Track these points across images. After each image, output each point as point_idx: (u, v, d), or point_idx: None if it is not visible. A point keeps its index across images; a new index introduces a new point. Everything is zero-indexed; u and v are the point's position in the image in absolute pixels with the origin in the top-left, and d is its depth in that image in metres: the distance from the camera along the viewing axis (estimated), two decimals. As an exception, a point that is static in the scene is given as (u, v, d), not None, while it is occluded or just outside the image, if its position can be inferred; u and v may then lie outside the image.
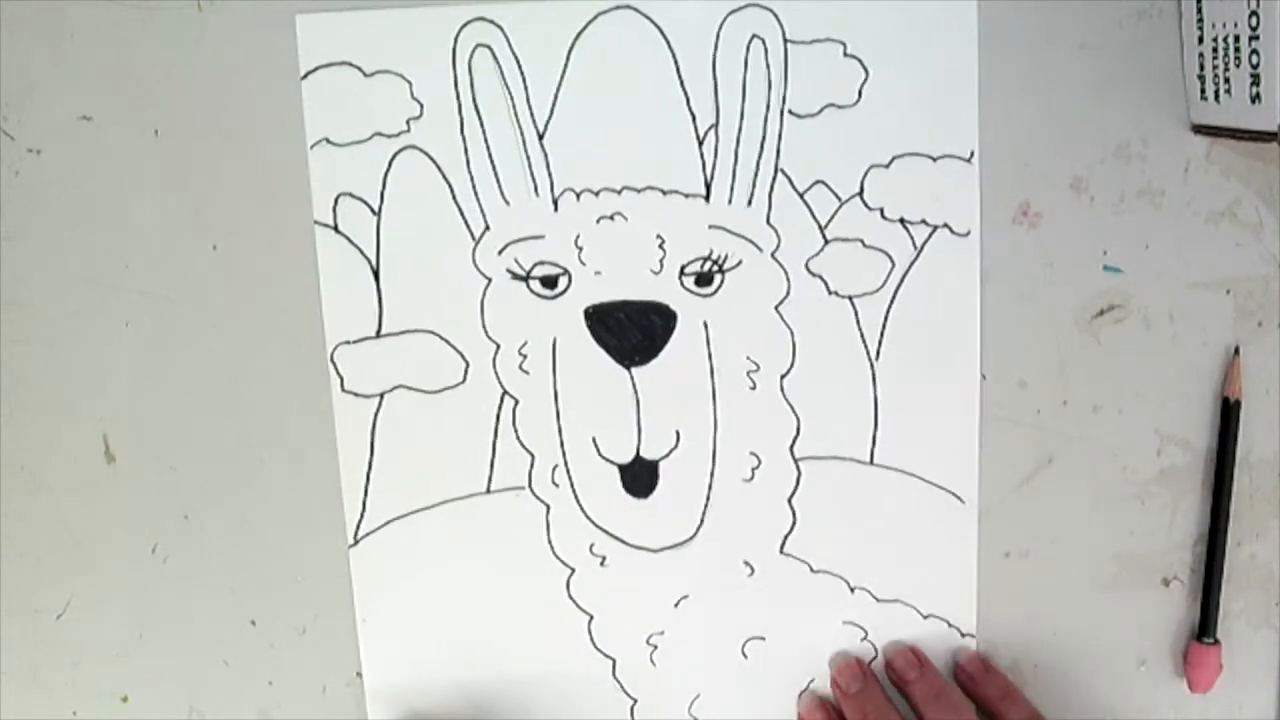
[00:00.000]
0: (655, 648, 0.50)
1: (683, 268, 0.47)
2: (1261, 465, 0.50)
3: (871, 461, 0.49)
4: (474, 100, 0.46)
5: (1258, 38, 0.41)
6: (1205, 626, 0.50)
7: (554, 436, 0.48)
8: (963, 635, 0.50)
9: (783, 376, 0.48)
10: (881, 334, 0.48)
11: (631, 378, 0.48)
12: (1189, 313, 0.49)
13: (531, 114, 0.46)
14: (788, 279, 0.47)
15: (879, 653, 0.50)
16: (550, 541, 0.49)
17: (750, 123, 0.46)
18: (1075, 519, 0.50)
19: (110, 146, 0.46)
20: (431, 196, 0.46)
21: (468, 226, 0.47)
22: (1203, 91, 0.45)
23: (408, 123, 0.46)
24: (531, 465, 0.48)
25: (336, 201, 0.46)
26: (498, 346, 0.48)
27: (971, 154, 0.47)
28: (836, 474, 0.49)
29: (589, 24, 0.45)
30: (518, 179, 0.46)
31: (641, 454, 0.48)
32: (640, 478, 0.49)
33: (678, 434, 0.48)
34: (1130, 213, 0.48)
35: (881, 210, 0.47)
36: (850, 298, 0.48)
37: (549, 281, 0.47)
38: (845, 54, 0.46)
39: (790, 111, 0.46)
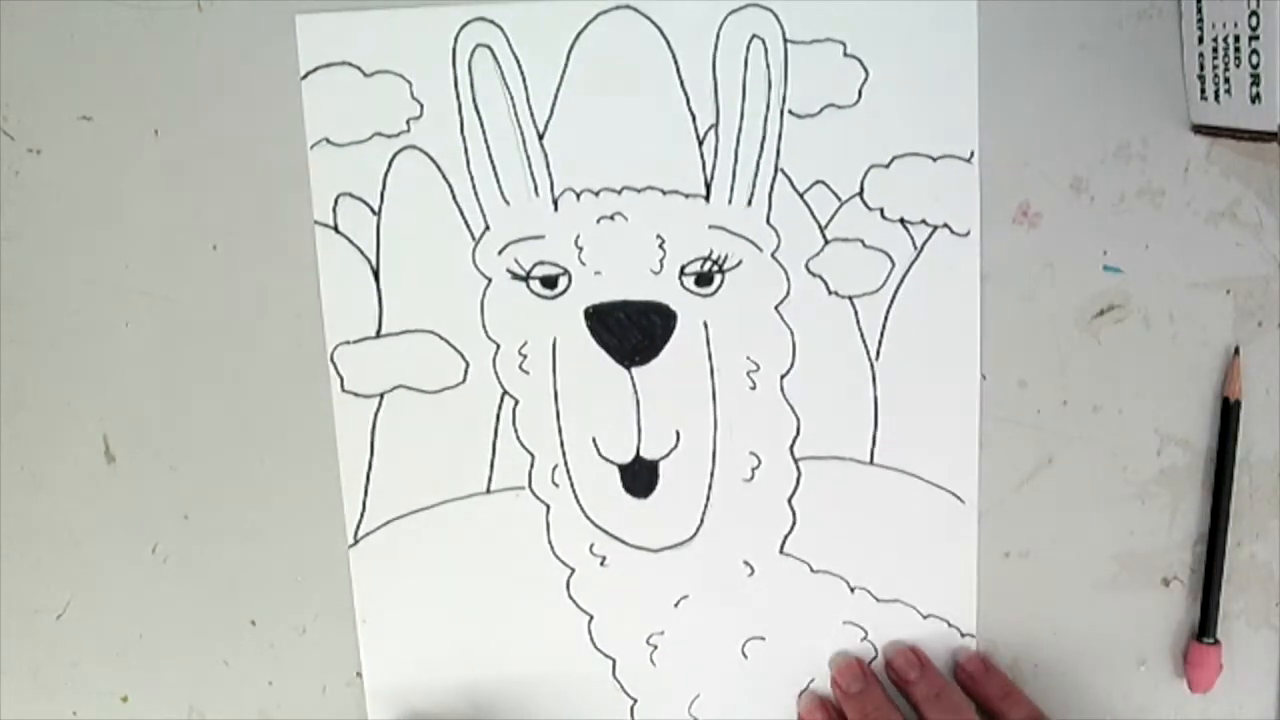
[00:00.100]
0: (655, 648, 0.50)
1: (683, 268, 0.47)
2: (1261, 465, 0.50)
3: (871, 461, 0.49)
4: (474, 100, 0.46)
5: (1258, 38, 0.41)
6: (1205, 626, 0.50)
7: (554, 436, 0.48)
8: (963, 635, 0.50)
9: (783, 376, 0.48)
10: (881, 334, 0.48)
11: (631, 378, 0.48)
12: (1189, 313, 0.49)
13: (531, 114, 0.46)
14: (788, 279, 0.47)
15: (879, 653, 0.50)
16: (550, 541, 0.49)
17: (750, 123, 0.46)
18: (1075, 519, 0.50)
19: (110, 146, 0.46)
20: (431, 196, 0.46)
21: (468, 226, 0.47)
22: (1203, 91, 0.45)
23: (408, 123, 0.46)
24: (531, 465, 0.48)
25: (336, 201, 0.46)
26: (498, 346, 0.48)
27: (971, 154, 0.47)
28: (836, 474, 0.49)
29: (589, 24, 0.45)
30: (518, 179, 0.46)
31: (641, 454, 0.48)
32: (640, 478, 0.49)
33: (678, 434, 0.48)
34: (1130, 213, 0.48)
35: (881, 210, 0.47)
36: (850, 298, 0.48)
37: (549, 281, 0.47)
38: (845, 54, 0.46)
39: (790, 111, 0.46)
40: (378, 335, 0.47)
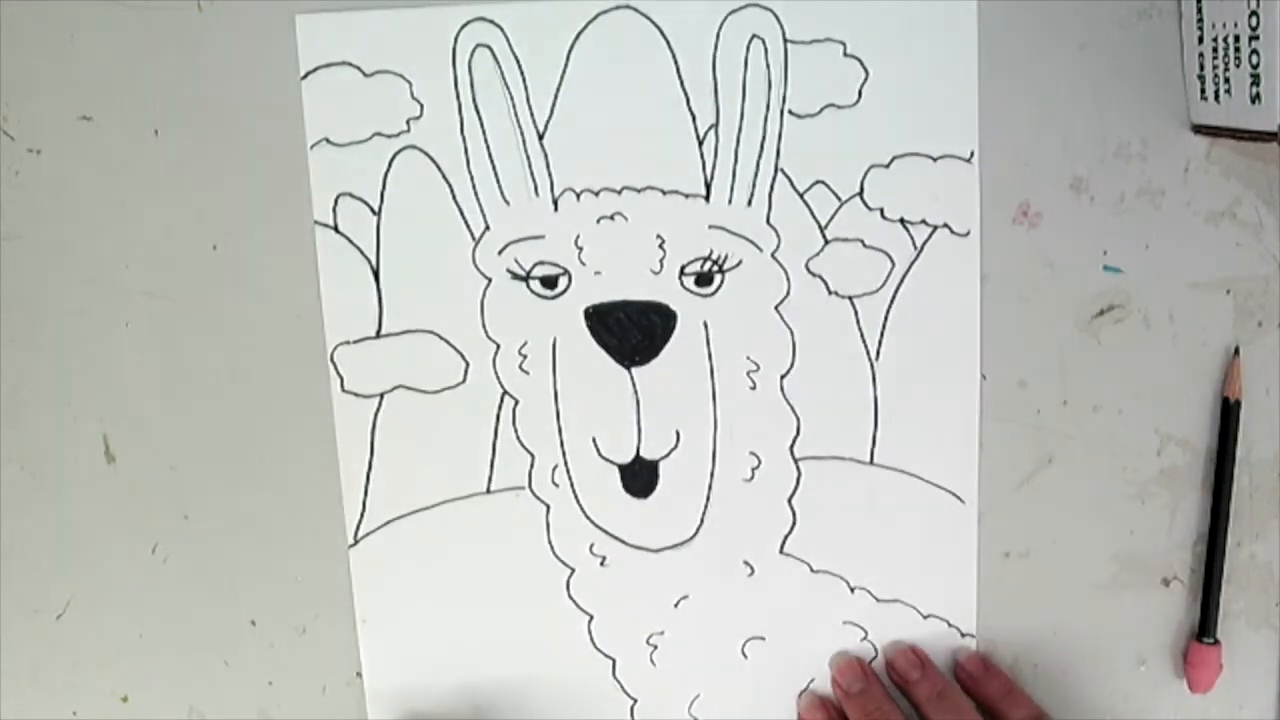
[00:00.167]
0: (655, 648, 0.50)
1: (683, 268, 0.47)
2: (1261, 465, 0.50)
3: (871, 461, 0.49)
4: (474, 100, 0.46)
5: (1258, 38, 0.41)
6: (1205, 626, 0.50)
7: (554, 436, 0.48)
8: (963, 635, 0.50)
9: (783, 376, 0.48)
10: (881, 334, 0.48)
11: (631, 378, 0.48)
12: (1189, 313, 0.49)
13: (531, 114, 0.46)
14: (788, 279, 0.47)
15: (879, 653, 0.50)
16: (550, 541, 0.49)
17: (750, 123, 0.46)
18: (1075, 519, 0.50)
19: (110, 146, 0.46)
20: (431, 196, 0.46)
21: (468, 226, 0.47)
22: (1203, 91, 0.45)
23: (408, 123, 0.46)
24: (531, 465, 0.48)
25: (336, 201, 0.46)
26: (498, 346, 0.48)
27: (971, 154, 0.47)
28: (836, 474, 0.49)
29: (589, 24, 0.45)
30: (518, 179, 0.46)
31: (641, 454, 0.48)
32: (640, 478, 0.49)
33: (678, 434, 0.48)
34: (1130, 213, 0.48)
35: (881, 210, 0.47)
36: (850, 298, 0.48)
37: (549, 281, 0.47)
38: (845, 54, 0.46)
39: (790, 111, 0.46)
40: (378, 335, 0.47)
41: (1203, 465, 0.50)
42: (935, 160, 0.47)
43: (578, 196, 0.47)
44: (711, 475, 0.49)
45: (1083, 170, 0.47)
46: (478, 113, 0.46)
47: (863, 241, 0.47)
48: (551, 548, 0.49)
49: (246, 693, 0.50)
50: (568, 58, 0.46)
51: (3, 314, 0.47)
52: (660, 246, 0.47)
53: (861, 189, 0.47)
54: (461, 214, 0.47)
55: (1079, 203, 0.48)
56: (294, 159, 0.46)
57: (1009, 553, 0.50)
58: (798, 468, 0.49)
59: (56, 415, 0.48)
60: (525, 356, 0.48)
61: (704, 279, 0.47)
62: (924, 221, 0.47)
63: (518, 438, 0.48)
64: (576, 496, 0.49)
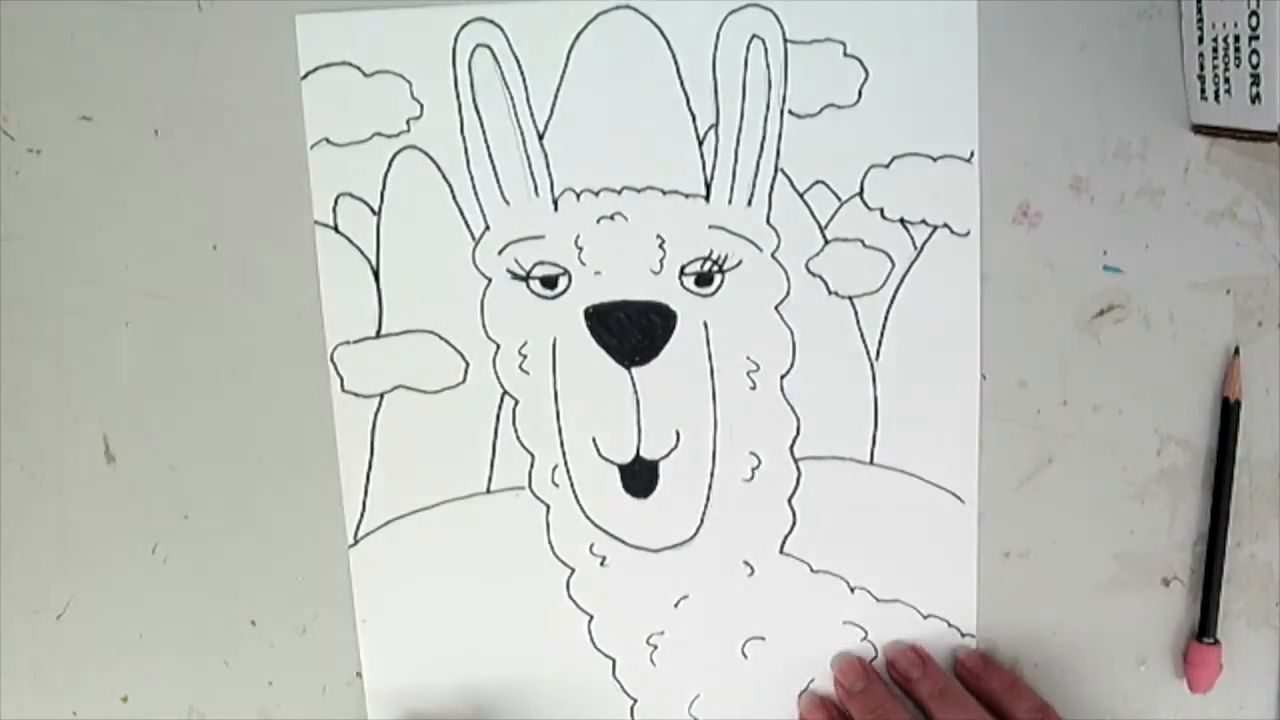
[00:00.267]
0: (655, 648, 0.50)
1: (683, 268, 0.47)
2: (1261, 465, 0.50)
3: (871, 461, 0.49)
4: (474, 100, 0.46)
5: (1258, 38, 0.41)
6: (1205, 626, 0.50)
7: (554, 436, 0.48)
8: (963, 635, 0.50)
9: (783, 376, 0.48)
10: (881, 334, 0.48)
11: (631, 378, 0.48)
12: (1189, 313, 0.49)
13: (531, 114, 0.46)
14: (788, 279, 0.47)
15: (879, 653, 0.50)
16: (550, 541, 0.49)
17: (750, 123, 0.46)
18: (1075, 519, 0.50)
19: (110, 146, 0.46)
20: (431, 196, 0.46)
21: (468, 226, 0.47)
22: (1203, 91, 0.45)
23: (408, 123, 0.46)
24: (531, 465, 0.48)
25: (336, 201, 0.46)
26: (498, 346, 0.48)
27: (971, 154, 0.47)
28: (836, 474, 0.49)
29: (589, 24, 0.45)
30: (518, 179, 0.46)
31: (641, 454, 0.48)
32: (640, 478, 0.49)
33: (678, 434, 0.48)
34: (1130, 213, 0.48)
35: (881, 210, 0.47)
36: (850, 298, 0.48)
37: (549, 281, 0.47)
38: (845, 54, 0.46)
39: (790, 111, 0.46)
40: (378, 335, 0.47)
41: (1203, 465, 0.50)
42: (935, 160, 0.47)
43: (578, 196, 0.47)
44: (711, 475, 0.49)
45: (1083, 170, 0.47)
46: (478, 113, 0.46)
47: (863, 241, 0.47)
48: (551, 548, 0.49)
49: (246, 693, 0.50)
50: (568, 58, 0.46)
51: (3, 314, 0.47)
52: (660, 246, 0.47)
53: (861, 189, 0.47)
54: (461, 214, 0.47)
55: (1079, 203, 0.48)
56: (294, 159, 0.46)
57: (1009, 553, 0.50)
58: (798, 468, 0.49)
59: (56, 415, 0.48)
60: (525, 356, 0.48)
61: (704, 279, 0.47)
62: (924, 221, 0.47)
63: (518, 438, 0.48)
64: (576, 496, 0.49)
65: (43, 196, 0.46)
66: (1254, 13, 0.41)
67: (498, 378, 0.48)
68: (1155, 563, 0.50)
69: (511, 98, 0.46)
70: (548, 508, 0.49)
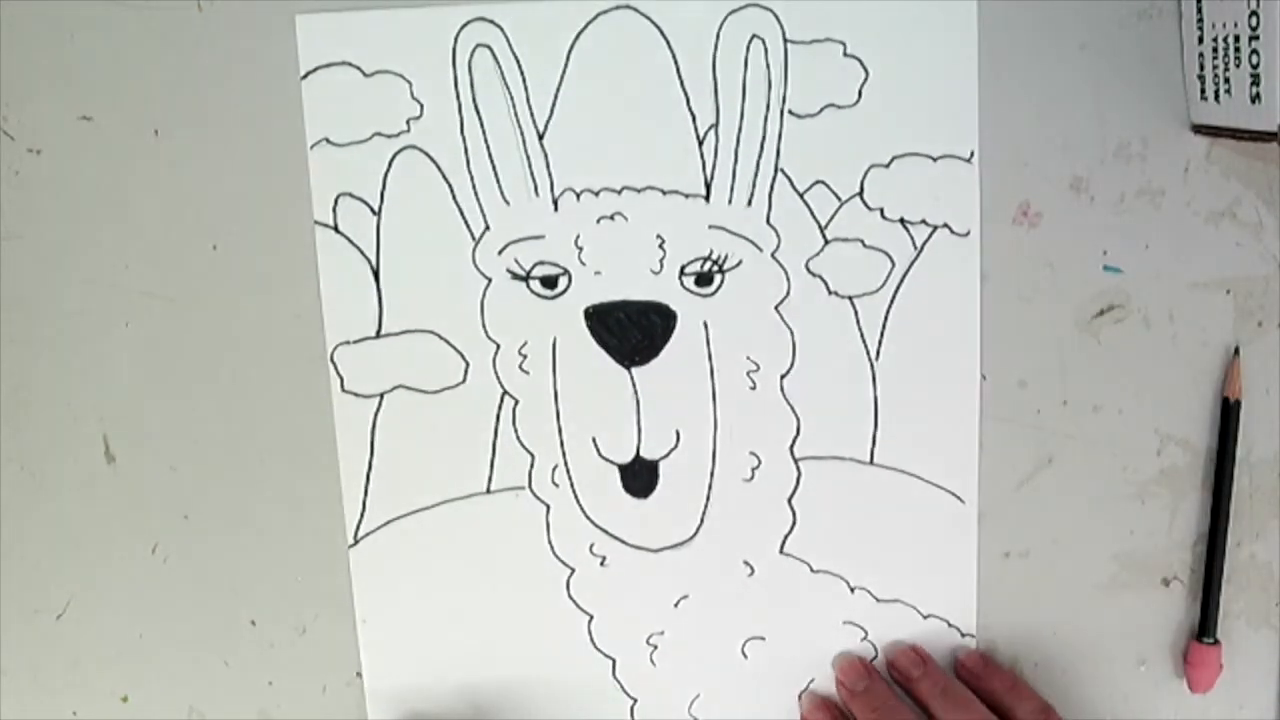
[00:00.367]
0: (655, 648, 0.50)
1: (683, 268, 0.47)
2: (1261, 465, 0.50)
3: (871, 461, 0.49)
4: (474, 100, 0.46)
5: (1258, 38, 0.41)
6: (1205, 626, 0.50)
7: (554, 436, 0.48)
8: (963, 635, 0.50)
9: (783, 376, 0.48)
10: (881, 334, 0.48)
11: (631, 378, 0.48)
12: (1189, 313, 0.49)
13: (531, 114, 0.46)
14: (788, 279, 0.47)
15: (879, 653, 0.50)
16: (550, 541, 0.49)
17: (750, 123, 0.46)
18: (1075, 519, 0.50)
19: (110, 146, 0.46)
20: (431, 196, 0.46)
21: (468, 226, 0.47)
22: (1203, 91, 0.45)
23: (408, 123, 0.46)
24: (531, 465, 0.48)
25: (336, 201, 0.46)
26: (498, 346, 0.48)
27: (971, 154, 0.47)
28: (836, 474, 0.49)
29: (589, 24, 0.45)
30: (518, 179, 0.46)
31: (641, 454, 0.48)
32: (640, 478, 0.49)
33: (678, 434, 0.48)
34: (1130, 213, 0.48)
35: (881, 210, 0.47)
36: (850, 298, 0.48)
37: (549, 281, 0.47)
38: (845, 54, 0.46)
39: (790, 111, 0.46)
40: (378, 335, 0.47)
41: (1203, 465, 0.50)
42: (935, 160, 0.47)
43: (578, 196, 0.47)
44: (711, 475, 0.49)
45: (1083, 170, 0.47)
46: (478, 113, 0.46)
47: (863, 241, 0.47)
48: (551, 548, 0.49)
49: (246, 693, 0.50)
50: (568, 58, 0.46)
51: (3, 314, 0.47)
52: (660, 246, 0.47)
53: (861, 189, 0.47)
54: (461, 214, 0.47)
55: (1079, 203, 0.48)
56: (294, 159, 0.46)
57: (1009, 553, 0.50)
58: (798, 468, 0.49)
59: (56, 415, 0.48)
60: (525, 356, 0.48)
61: (704, 279, 0.47)
62: (924, 221, 0.47)
63: (518, 438, 0.48)
64: (576, 496, 0.49)
65: (43, 196, 0.46)
66: (1254, 13, 0.41)
67: (498, 378, 0.48)
68: (1155, 563, 0.50)
69: (511, 98, 0.46)
70: (548, 508, 0.49)
